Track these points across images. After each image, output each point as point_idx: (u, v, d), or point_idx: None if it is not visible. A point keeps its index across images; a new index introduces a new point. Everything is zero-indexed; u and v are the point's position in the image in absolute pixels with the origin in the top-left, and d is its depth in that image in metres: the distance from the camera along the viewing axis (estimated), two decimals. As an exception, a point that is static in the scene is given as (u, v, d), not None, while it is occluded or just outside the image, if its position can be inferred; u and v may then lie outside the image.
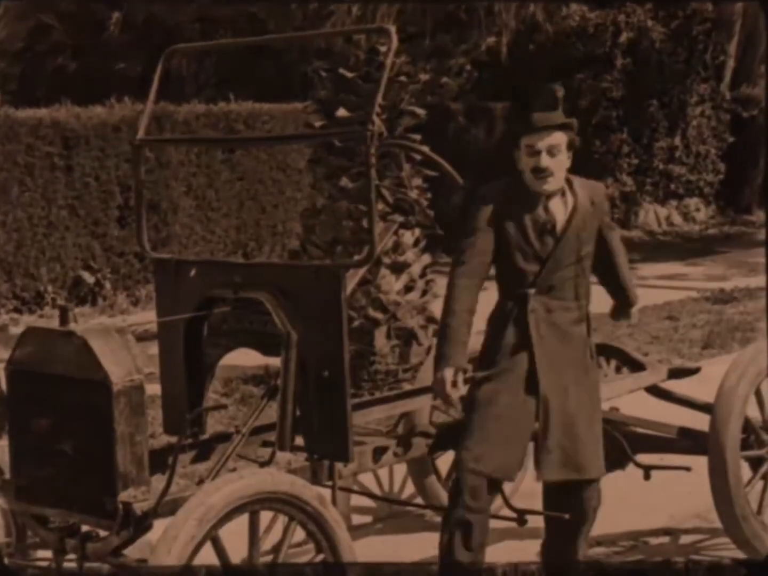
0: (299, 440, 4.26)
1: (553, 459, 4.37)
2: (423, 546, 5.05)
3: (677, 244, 17.43)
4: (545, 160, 4.33)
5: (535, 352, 4.41)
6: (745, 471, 5.06)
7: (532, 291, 4.42)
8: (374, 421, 5.13)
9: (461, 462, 4.36)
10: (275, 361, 4.28)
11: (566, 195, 4.44)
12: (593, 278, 4.59)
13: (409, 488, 5.88)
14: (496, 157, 16.37)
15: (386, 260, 7.98)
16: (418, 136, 7.90)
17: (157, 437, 5.52)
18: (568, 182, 4.46)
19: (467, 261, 4.40)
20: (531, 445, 4.47)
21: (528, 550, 5.19)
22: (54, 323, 4.08)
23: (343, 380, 4.09)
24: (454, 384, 4.26)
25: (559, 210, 4.43)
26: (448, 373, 4.26)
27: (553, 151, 4.35)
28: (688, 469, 5.02)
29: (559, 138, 4.37)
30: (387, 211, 5.25)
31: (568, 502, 4.50)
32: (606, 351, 5.69)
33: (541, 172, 4.34)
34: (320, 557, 3.89)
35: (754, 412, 5.12)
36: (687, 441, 5.17)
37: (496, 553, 4.69)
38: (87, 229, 12.21)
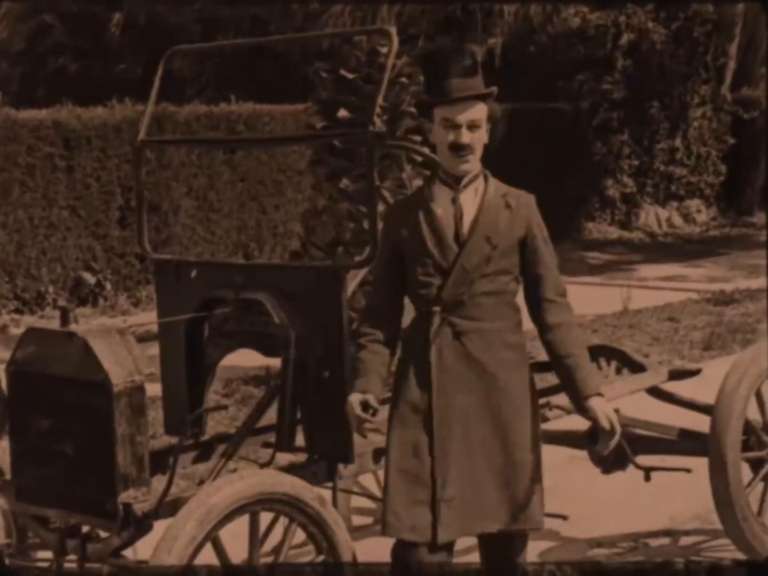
0: (300, 441, 4.25)
1: (451, 513, 3.71)
2: (423, 547, 5.04)
3: (678, 246, 17.44)
4: (466, 136, 3.72)
5: (434, 386, 3.74)
6: (746, 472, 5.06)
7: (436, 309, 3.76)
8: (375, 422, 5.12)
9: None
10: (276, 362, 4.28)
11: (477, 190, 3.80)
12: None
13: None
14: (497, 158, 16.39)
15: (387, 261, 7.97)
16: (418, 138, 7.91)
17: (157, 438, 5.52)
18: (484, 175, 3.85)
19: (376, 291, 3.94)
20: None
21: (528, 551, 5.19)
22: (55, 324, 4.08)
23: (343, 381, 4.09)
24: (364, 409, 3.75)
25: (468, 208, 3.78)
26: (354, 398, 3.76)
27: (475, 125, 3.74)
28: (688, 470, 5.02)
29: (481, 110, 3.75)
30: (388, 212, 5.24)
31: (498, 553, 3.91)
32: (606, 352, 5.69)
33: (461, 150, 3.72)
34: (321, 558, 3.89)
35: (754, 414, 5.12)
36: (687, 442, 5.17)
37: (497, 555, 4.67)
38: (88, 229, 12.21)
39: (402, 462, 3.75)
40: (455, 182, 3.78)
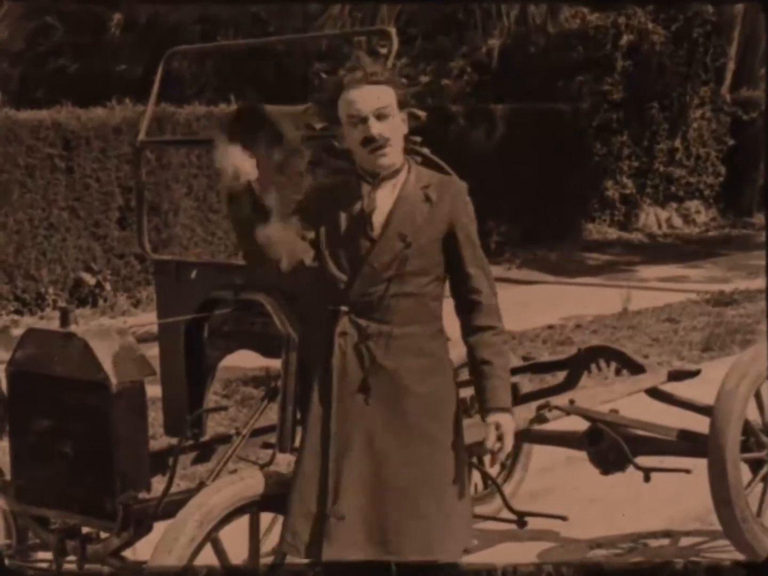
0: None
1: (342, 530, 3.42)
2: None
3: (677, 247, 17.44)
4: (375, 127, 3.42)
5: (334, 392, 3.48)
6: (745, 473, 5.06)
7: (343, 308, 3.50)
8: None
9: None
10: (276, 363, 4.28)
11: (396, 185, 3.50)
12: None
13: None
14: (497, 158, 16.41)
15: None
16: (418, 138, 7.90)
17: (157, 438, 5.52)
18: (409, 167, 3.55)
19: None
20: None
21: (528, 552, 5.20)
22: (55, 325, 4.08)
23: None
24: None
25: (383, 202, 3.49)
26: None
27: (383, 115, 3.43)
28: (687, 471, 5.02)
29: (386, 97, 3.44)
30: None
31: None
32: (606, 353, 5.69)
33: (373, 143, 3.43)
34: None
35: (753, 415, 5.12)
36: (687, 443, 5.17)
37: (496, 555, 4.69)
38: (88, 230, 12.21)
39: (304, 473, 3.51)
40: (371, 177, 3.50)
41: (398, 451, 3.45)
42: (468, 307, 3.54)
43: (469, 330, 3.55)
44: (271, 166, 3.49)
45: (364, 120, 3.43)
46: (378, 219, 3.49)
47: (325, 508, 3.44)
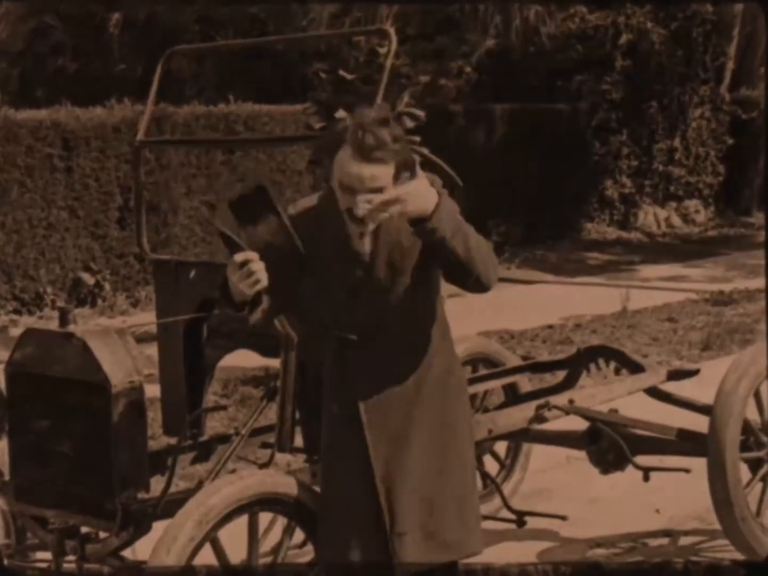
0: (299, 441, 4.26)
1: (409, 540, 3.50)
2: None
3: (676, 246, 17.43)
4: (362, 208, 3.31)
5: (361, 407, 3.52)
6: (744, 473, 5.06)
7: (351, 336, 3.52)
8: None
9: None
10: (275, 363, 4.28)
11: None
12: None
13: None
14: (496, 158, 16.41)
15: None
16: (417, 138, 7.91)
17: (156, 438, 5.52)
18: None
19: None
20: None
21: (527, 552, 5.20)
22: (53, 324, 4.08)
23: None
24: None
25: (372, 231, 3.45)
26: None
27: (376, 189, 3.31)
28: (687, 470, 5.02)
29: (385, 172, 3.33)
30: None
31: None
32: (605, 353, 5.69)
33: (355, 221, 3.38)
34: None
35: (753, 414, 5.12)
36: (686, 443, 5.17)
37: (495, 554, 4.68)
38: (87, 230, 12.21)
39: (343, 499, 3.55)
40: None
41: (439, 464, 3.54)
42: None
43: None
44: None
45: (353, 193, 3.33)
46: (367, 241, 3.45)
47: (373, 524, 3.49)
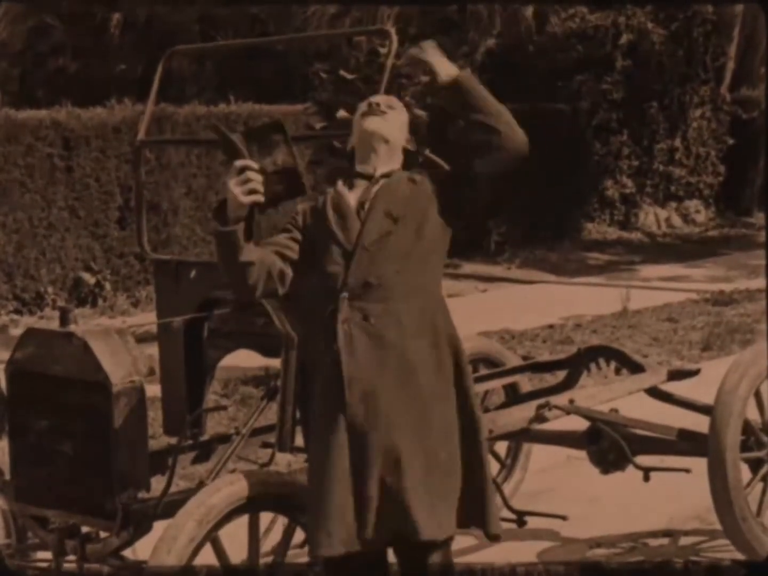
0: (299, 441, 4.26)
1: (372, 517, 3.42)
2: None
3: (677, 246, 17.43)
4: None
5: (345, 379, 3.45)
6: (745, 473, 5.07)
7: (344, 295, 3.49)
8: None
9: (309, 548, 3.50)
10: (275, 363, 4.28)
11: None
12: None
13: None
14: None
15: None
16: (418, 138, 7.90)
17: (156, 438, 5.52)
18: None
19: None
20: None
21: (527, 551, 5.20)
22: (54, 324, 4.08)
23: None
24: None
25: (373, 191, 3.62)
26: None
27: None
28: (687, 470, 5.02)
29: (400, 108, 3.77)
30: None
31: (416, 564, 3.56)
32: (605, 353, 5.69)
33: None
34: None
35: (753, 414, 5.12)
36: (686, 443, 5.17)
37: (496, 554, 4.68)
38: (87, 230, 12.21)
39: (325, 471, 3.45)
40: (367, 178, 3.64)
41: (416, 426, 3.45)
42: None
43: None
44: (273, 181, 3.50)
45: (365, 150, 3.63)
46: (366, 203, 3.57)
47: (350, 497, 3.42)
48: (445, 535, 3.50)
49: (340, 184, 3.67)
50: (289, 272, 3.56)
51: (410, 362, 3.48)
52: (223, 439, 4.54)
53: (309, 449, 3.65)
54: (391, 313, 3.47)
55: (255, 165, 3.42)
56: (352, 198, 3.61)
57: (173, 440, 4.45)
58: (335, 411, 3.47)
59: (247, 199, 3.38)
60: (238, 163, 3.40)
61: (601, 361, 5.66)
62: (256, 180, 3.39)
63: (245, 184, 3.37)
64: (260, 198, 3.41)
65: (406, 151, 3.72)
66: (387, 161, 3.65)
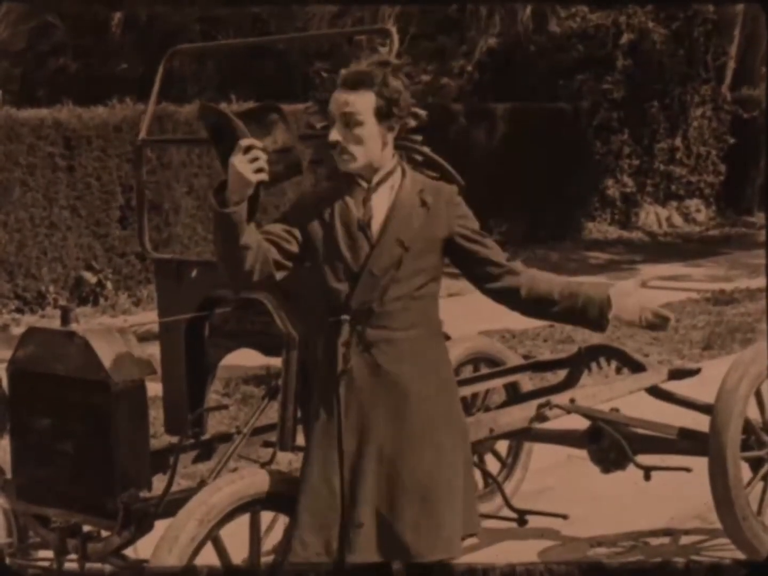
0: (300, 440, 4.26)
1: (362, 537, 3.41)
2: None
3: (678, 245, 17.44)
4: (335, 133, 3.41)
5: (342, 402, 3.47)
6: (746, 472, 5.07)
7: (345, 318, 3.48)
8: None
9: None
10: (276, 362, 4.28)
11: (393, 188, 3.50)
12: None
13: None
14: (497, 157, 16.41)
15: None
16: (419, 137, 7.91)
17: (158, 437, 5.52)
18: (403, 169, 3.52)
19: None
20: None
21: (528, 551, 5.20)
22: (55, 323, 4.08)
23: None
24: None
25: (380, 207, 3.48)
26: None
27: (353, 120, 3.41)
28: (688, 470, 5.02)
29: (361, 101, 3.41)
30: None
31: None
32: (606, 352, 5.69)
33: (332, 147, 3.45)
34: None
35: (754, 414, 5.12)
36: (687, 442, 5.17)
37: (496, 554, 4.69)
38: (88, 229, 12.22)
39: (313, 484, 3.48)
40: (367, 180, 3.49)
41: (408, 455, 3.45)
42: (503, 275, 3.57)
43: (519, 286, 3.59)
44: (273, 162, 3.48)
45: (333, 122, 3.44)
46: (375, 225, 3.47)
47: (337, 517, 3.44)
48: (440, 557, 3.47)
49: (347, 198, 3.51)
50: (284, 263, 3.51)
51: (405, 390, 3.47)
52: (225, 438, 4.54)
53: (304, 453, 3.65)
54: (391, 341, 3.47)
55: (260, 143, 3.36)
56: (354, 206, 3.49)
57: (174, 439, 4.45)
58: (329, 425, 3.50)
59: (256, 177, 3.29)
60: (244, 141, 3.31)
61: (602, 360, 5.65)
62: (262, 158, 3.31)
63: (253, 162, 3.30)
64: (266, 176, 3.35)
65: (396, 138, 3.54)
66: (359, 163, 3.46)
